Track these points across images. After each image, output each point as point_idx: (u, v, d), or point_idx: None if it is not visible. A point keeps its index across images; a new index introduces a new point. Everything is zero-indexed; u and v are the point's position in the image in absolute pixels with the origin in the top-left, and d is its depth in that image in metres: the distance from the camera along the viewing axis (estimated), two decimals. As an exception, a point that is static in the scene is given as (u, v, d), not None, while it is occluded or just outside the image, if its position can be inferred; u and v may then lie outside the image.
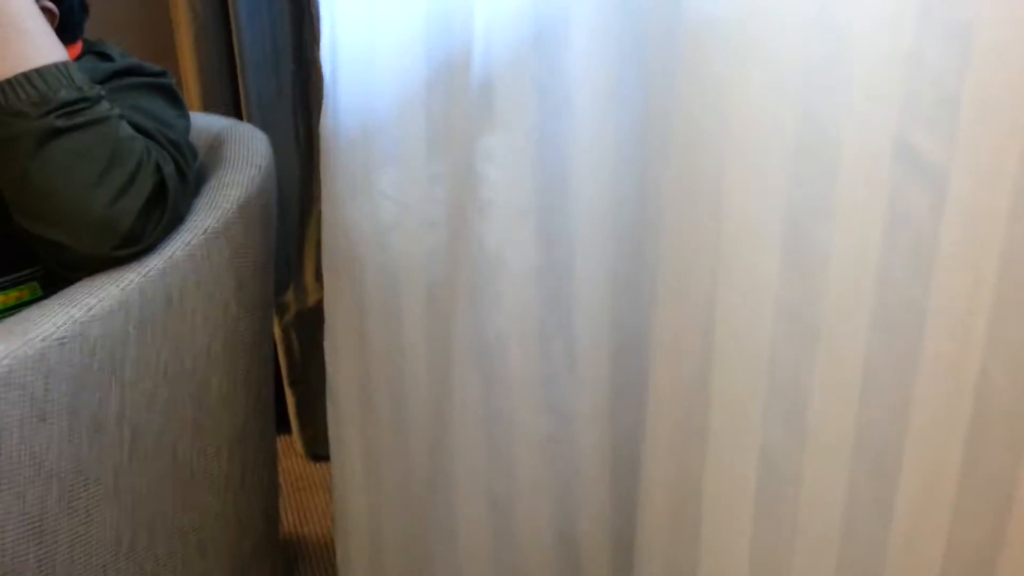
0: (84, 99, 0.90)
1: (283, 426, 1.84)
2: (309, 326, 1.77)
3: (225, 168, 1.13)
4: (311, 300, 1.76)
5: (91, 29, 1.12)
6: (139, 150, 0.93)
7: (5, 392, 0.81)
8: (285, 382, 1.80)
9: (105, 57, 1.07)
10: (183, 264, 1.00)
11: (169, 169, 0.96)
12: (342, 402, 1.14)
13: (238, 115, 1.67)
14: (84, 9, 1.10)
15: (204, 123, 1.25)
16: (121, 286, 0.93)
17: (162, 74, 1.09)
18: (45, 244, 0.93)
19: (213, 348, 1.06)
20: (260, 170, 1.14)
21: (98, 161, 0.89)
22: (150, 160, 0.94)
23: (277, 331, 1.76)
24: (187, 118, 1.10)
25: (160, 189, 0.95)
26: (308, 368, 1.80)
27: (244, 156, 1.15)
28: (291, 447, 1.89)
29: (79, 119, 0.89)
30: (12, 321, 0.87)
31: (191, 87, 1.65)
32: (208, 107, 1.66)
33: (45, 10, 0.98)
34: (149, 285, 0.96)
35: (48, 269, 1.00)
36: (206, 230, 1.03)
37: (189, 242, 1.01)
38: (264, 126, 1.57)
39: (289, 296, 1.76)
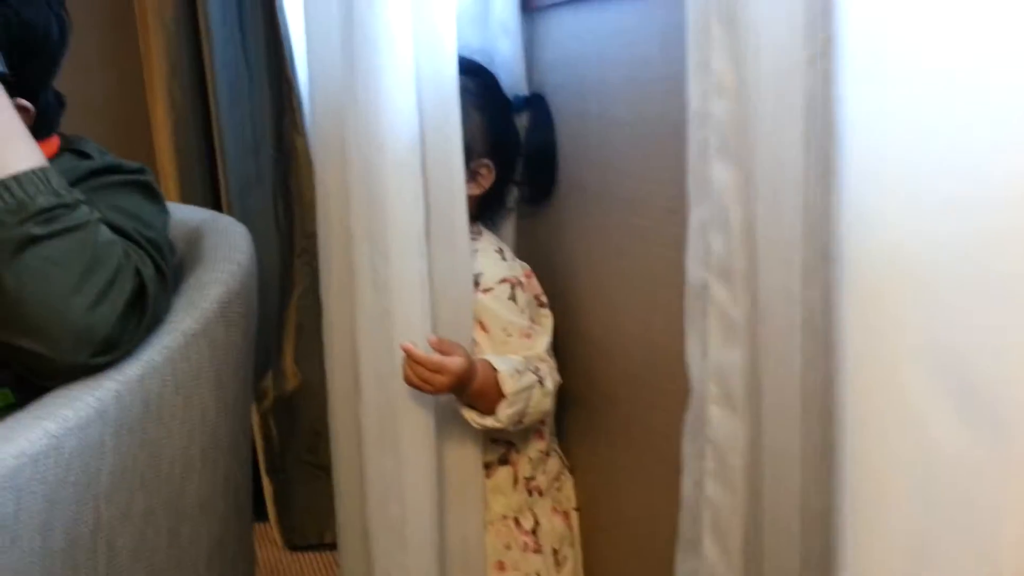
0: (63, 205, 0.87)
1: (259, 514, 1.78)
2: (288, 413, 1.73)
3: (205, 265, 1.10)
4: (290, 386, 1.72)
5: (65, 114, 1.10)
6: (118, 254, 0.90)
7: (-26, 516, 0.77)
8: (262, 470, 1.76)
9: (83, 155, 1.05)
10: (161, 368, 0.96)
11: (148, 272, 0.93)
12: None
13: (216, 199, 1.65)
14: (60, 104, 1.08)
15: (182, 215, 1.22)
16: (97, 395, 0.90)
17: (140, 171, 1.07)
18: (17, 353, 0.89)
19: (191, 453, 1.03)
20: (241, 266, 1.11)
21: (76, 268, 0.87)
22: (129, 264, 0.91)
23: (255, 418, 1.72)
24: (166, 213, 1.08)
25: (139, 293, 0.92)
26: (286, 456, 1.76)
27: (224, 252, 1.12)
28: (267, 535, 1.83)
29: (57, 226, 0.86)
30: (-18, 438, 0.83)
31: (167, 172, 1.64)
32: (185, 191, 1.65)
33: (21, 108, 0.96)
34: (126, 392, 0.92)
35: (20, 374, 0.97)
36: (185, 332, 1.00)
37: (168, 345, 0.98)
38: (243, 211, 1.56)
39: (268, 382, 1.72)
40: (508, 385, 1.07)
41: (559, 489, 1.23)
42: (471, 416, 1.09)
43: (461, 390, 1.07)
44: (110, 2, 1.79)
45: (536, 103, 1.21)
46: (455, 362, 1.04)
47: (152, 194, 1.06)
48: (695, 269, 0.86)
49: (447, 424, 1.15)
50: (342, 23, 1.09)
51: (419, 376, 1.05)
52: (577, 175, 1.18)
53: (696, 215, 0.84)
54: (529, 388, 1.09)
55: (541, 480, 1.19)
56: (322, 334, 1.29)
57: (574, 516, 1.24)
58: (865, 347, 0.59)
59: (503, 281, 1.15)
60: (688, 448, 0.90)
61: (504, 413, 1.07)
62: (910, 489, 0.60)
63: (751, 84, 0.74)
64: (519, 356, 1.12)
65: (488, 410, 1.08)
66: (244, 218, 1.41)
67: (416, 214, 1.08)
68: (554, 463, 1.22)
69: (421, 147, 1.08)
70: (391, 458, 1.13)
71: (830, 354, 0.62)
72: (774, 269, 0.76)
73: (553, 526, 1.20)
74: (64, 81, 1.09)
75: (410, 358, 1.05)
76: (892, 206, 0.57)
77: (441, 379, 1.04)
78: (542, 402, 1.11)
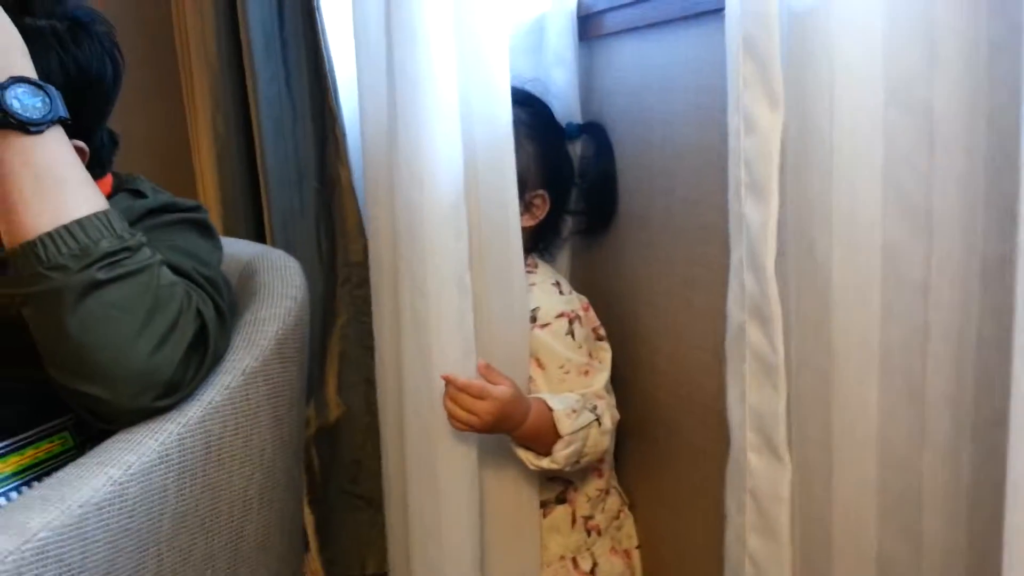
0: (126, 248, 0.86)
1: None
2: (330, 442, 1.71)
3: (261, 301, 1.09)
4: (332, 415, 1.71)
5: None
6: (180, 296, 0.89)
7: (41, 569, 0.76)
8: (304, 500, 1.74)
9: (138, 194, 1.04)
10: (222, 409, 0.95)
11: (209, 312, 0.92)
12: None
13: (259, 231, 1.64)
14: (114, 143, 1.08)
15: (233, 250, 1.21)
16: (160, 439, 0.88)
17: (196, 208, 1.06)
18: (79, 397, 0.88)
19: (250, 493, 1.01)
20: (296, 301, 1.10)
21: (139, 312, 0.85)
22: (191, 305, 0.90)
23: (297, 449, 1.70)
24: (220, 249, 1.07)
25: (201, 333, 0.91)
26: (328, 486, 1.74)
27: (279, 288, 1.11)
28: (308, 566, 1.81)
29: (120, 270, 0.85)
30: (47, 486, 0.82)
31: (211, 205, 1.64)
32: (228, 224, 1.64)
33: (77, 150, 0.95)
34: (188, 435, 0.91)
35: (79, 416, 0.95)
36: (244, 370, 0.99)
37: (228, 385, 0.96)
38: (286, 242, 1.55)
39: (310, 411, 1.70)
40: (564, 425, 1.04)
41: (619, 528, 1.20)
42: (527, 457, 1.07)
43: (511, 427, 1.04)
44: (152, 39, 1.79)
45: (594, 131, 1.19)
46: (500, 390, 1.01)
47: (207, 232, 1.05)
48: (733, 310, 0.84)
49: (496, 461, 1.12)
50: (387, 64, 1.08)
51: (462, 405, 1.02)
52: (639, 203, 1.16)
53: (734, 254, 0.82)
54: (586, 427, 1.06)
55: (600, 519, 1.17)
56: (365, 364, 1.27)
57: (635, 555, 1.21)
58: None
59: (561, 316, 1.12)
60: (729, 501, 0.87)
61: (561, 454, 1.05)
62: None
63: (824, 121, 0.72)
64: (576, 394, 1.09)
65: (544, 451, 1.06)
66: (287, 248, 1.40)
67: (458, 251, 1.06)
68: (613, 501, 1.19)
69: (466, 184, 1.06)
70: (429, 497, 1.11)
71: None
72: (851, 311, 0.73)
73: (612, 566, 1.17)
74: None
75: (451, 386, 1.02)
76: None
77: (484, 406, 1.01)
78: (600, 441, 1.08)
